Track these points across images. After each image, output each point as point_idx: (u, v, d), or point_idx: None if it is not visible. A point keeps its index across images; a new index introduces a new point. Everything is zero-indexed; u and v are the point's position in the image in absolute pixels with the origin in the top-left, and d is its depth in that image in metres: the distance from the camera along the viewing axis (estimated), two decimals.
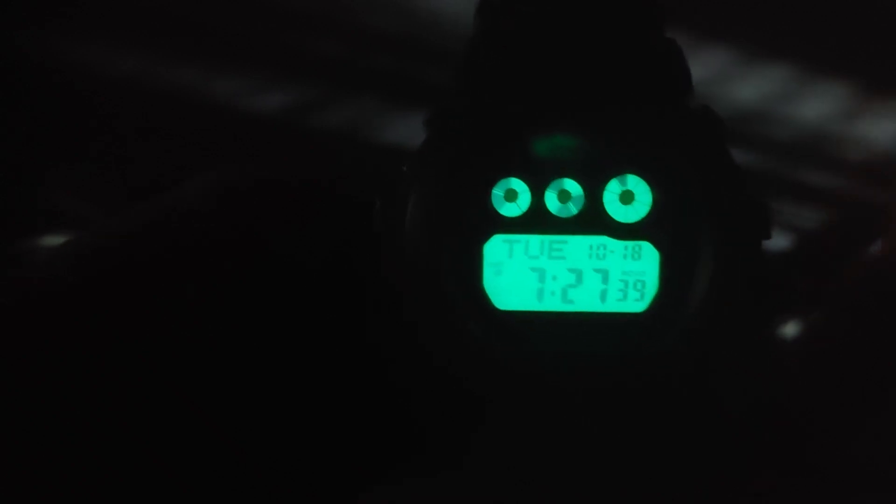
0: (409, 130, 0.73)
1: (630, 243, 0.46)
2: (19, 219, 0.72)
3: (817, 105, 0.70)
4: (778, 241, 0.68)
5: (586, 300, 0.47)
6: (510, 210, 0.47)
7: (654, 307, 0.46)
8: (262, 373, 0.46)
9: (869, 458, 0.56)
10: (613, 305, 0.47)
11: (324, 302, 0.47)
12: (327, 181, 0.50)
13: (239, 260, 0.46)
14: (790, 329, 0.61)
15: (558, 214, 0.47)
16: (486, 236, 0.47)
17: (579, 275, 0.47)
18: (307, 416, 0.47)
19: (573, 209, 0.47)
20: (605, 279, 0.47)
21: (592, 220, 0.47)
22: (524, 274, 0.47)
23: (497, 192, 0.47)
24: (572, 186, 0.47)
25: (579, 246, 0.47)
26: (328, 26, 0.73)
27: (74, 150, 0.73)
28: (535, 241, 0.47)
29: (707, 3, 0.71)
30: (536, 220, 0.47)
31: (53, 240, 0.68)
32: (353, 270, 0.47)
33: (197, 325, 0.45)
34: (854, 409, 0.57)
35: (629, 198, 0.47)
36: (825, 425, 0.56)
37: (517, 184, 0.47)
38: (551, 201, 0.47)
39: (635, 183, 0.47)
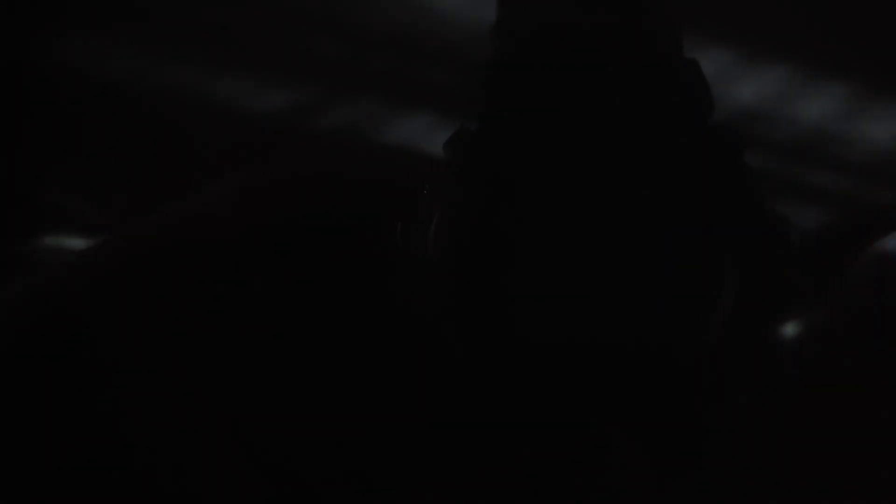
0: (409, 131, 0.73)
1: None
2: (19, 219, 0.72)
3: (818, 105, 0.70)
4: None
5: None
6: None
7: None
8: (277, 367, 0.46)
9: (868, 459, 0.56)
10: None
11: (342, 301, 0.47)
12: (345, 184, 0.50)
13: (261, 259, 0.46)
14: (790, 329, 0.61)
15: None
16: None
17: None
18: (323, 415, 0.47)
19: None
20: None
21: None
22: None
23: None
24: None
25: None
26: (328, 26, 0.73)
27: (74, 150, 0.73)
28: None
29: (708, 4, 0.71)
30: None
31: (53, 240, 0.68)
32: (371, 273, 0.47)
33: (220, 323, 0.45)
34: (855, 409, 0.57)
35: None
36: (825, 425, 0.56)
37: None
38: None
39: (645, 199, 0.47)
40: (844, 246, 0.66)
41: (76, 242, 0.60)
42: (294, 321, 0.47)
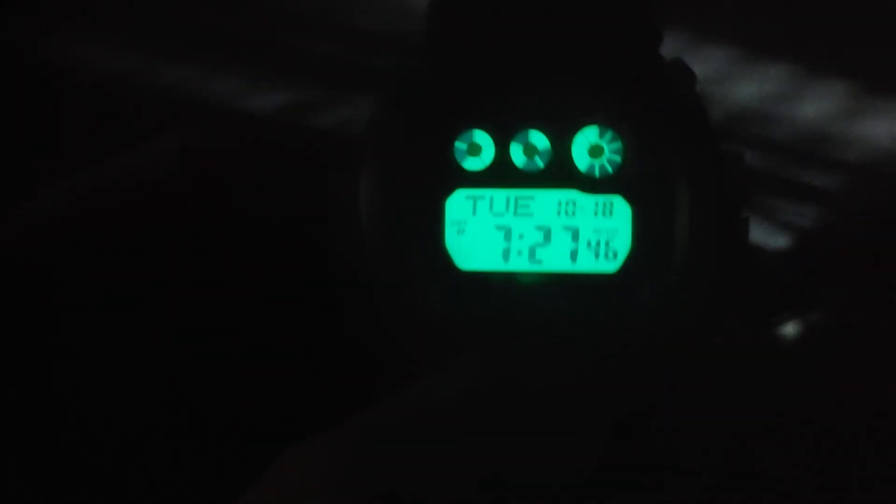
0: None
1: (601, 198, 0.44)
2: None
3: (817, 105, 0.70)
4: (778, 241, 0.68)
5: (555, 260, 0.44)
6: (473, 164, 0.44)
7: (628, 266, 0.44)
8: (222, 335, 0.44)
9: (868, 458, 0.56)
10: (584, 265, 0.44)
11: (283, 265, 0.45)
12: (288, 143, 0.48)
13: (199, 220, 0.44)
14: (790, 329, 0.61)
15: (524, 168, 0.44)
16: (448, 191, 0.44)
17: (548, 233, 0.44)
18: (262, 380, 0.45)
19: (540, 163, 0.44)
20: (576, 237, 0.44)
21: (560, 174, 0.44)
22: (489, 232, 0.44)
23: (460, 146, 0.44)
24: (538, 139, 0.44)
25: (547, 202, 0.44)
26: (328, 26, 0.73)
27: (74, 150, 0.73)
28: (500, 196, 0.44)
29: (707, 3, 0.71)
30: (501, 175, 0.44)
31: None
32: (311, 232, 0.45)
33: (155, 284, 0.43)
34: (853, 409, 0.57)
35: (598, 150, 0.44)
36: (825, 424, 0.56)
37: (481, 136, 0.44)
38: (517, 155, 0.44)
39: (605, 134, 0.44)
40: (844, 246, 0.65)
41: None
42: (225, 288, 0.44)
